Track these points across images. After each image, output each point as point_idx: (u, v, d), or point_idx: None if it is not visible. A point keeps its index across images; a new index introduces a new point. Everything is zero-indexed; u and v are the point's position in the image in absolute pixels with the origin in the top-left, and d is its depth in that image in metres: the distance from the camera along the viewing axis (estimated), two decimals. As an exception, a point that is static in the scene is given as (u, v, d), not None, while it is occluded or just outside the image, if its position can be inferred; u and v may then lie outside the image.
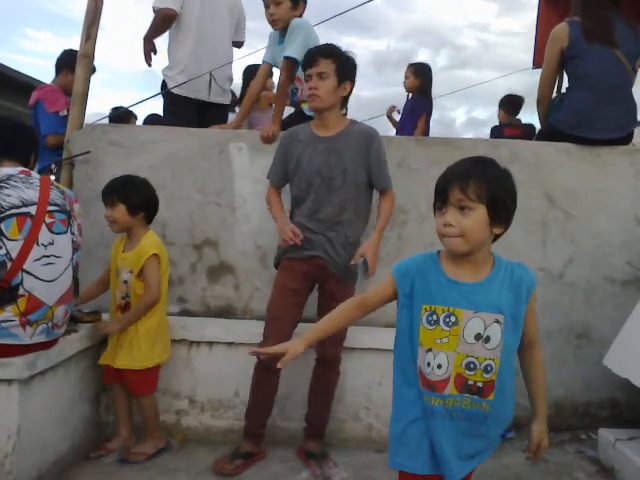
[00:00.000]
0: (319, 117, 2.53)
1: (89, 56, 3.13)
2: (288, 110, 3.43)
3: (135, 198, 2.49)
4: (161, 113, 3.97)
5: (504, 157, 2.90)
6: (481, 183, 1.32)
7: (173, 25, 3.57)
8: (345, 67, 2.48)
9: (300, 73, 2.91)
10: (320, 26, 3.36)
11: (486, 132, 6.10)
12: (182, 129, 3.12)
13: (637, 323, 2.52)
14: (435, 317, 1.37)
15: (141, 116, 4.97)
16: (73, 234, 2.28)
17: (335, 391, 2.57)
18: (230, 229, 3.04)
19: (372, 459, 2.54)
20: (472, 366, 1.37)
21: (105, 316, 2.72)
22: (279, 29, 3.18)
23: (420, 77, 4.70)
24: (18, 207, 2.05)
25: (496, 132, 5.39)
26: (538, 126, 4.05)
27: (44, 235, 2.11)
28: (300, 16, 3.19)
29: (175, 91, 3.54)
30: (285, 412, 2.70)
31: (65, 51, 4.11)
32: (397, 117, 5.40)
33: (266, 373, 2.44)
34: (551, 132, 3.14)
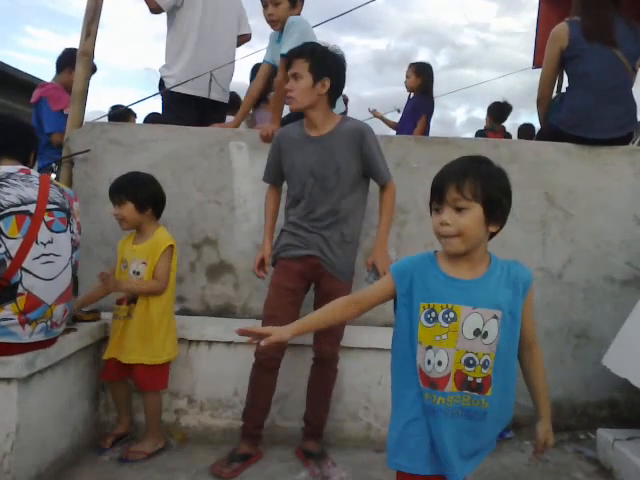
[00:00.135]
0: (306, 117, 2.50)
1: (89, 54, 3.13)
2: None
3: (142, 195, 2.50)
4: (161, 112, 3.96)
5: (504, 157, 2.91)
6: (476, 182, 1.34)
7: (174, 23, 3.55)
8: (321, 64, 2.40)
9: None
10: (320, 25, 3.37)
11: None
12: (182, 128, 3.11)
13: (636, 323, 2.52)
14: (434, 314, 1.38)
15: (141, 115, 4.98)
16: (72, 232, 2.28)
17: (333, 390, 2.57)
18: (230, 228, 3.04)
19: (371, 459, 2.54)
20: (471, 362, 1.37)
21: (104, 314, 2.72)
22: (278, 29, 3.17)
23: (421, 76, 4.71)
24: (17, 205, 2.05)
25: (479, 136, 5.61)
26: (538, 126, 4.06)
27: (43, 233, 2.11)
28: (298, 14, 3.18)
29: (174, 89, 3.53)
30: (284, 411, 2.70)
31: (67, 49, 4.12)
32: (397, 116, 5.42)
33: (264, 372, 2.44)
34: (551, 132, 3.14)
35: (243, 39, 3.94)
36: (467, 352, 1.37)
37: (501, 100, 5.85)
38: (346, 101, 5.41)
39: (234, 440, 2.55)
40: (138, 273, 2.51)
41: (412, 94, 4.87)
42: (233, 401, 2.70)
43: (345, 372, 2.67)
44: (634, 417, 2.89)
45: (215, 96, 3.67)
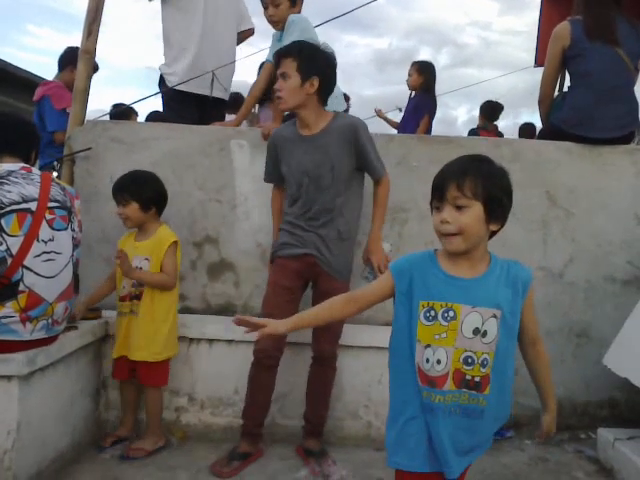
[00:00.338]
0: (297, 117, 2.49)
1: (90, 52, 3.13)
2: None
3: (146, 194, 2.52)
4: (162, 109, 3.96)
5: (505, 156, 2.91)
6: (477, 180, 1.34)
7: (174, 20, 3.53)
8: (309, 63, 2.37)
9: None
10: (322, 25, 3.37)
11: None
12: (183, 126, 3.11)
13: (637, 323, 2.52)
14: (433, 313, 1.38)
15: (142, 113, 4.97)
16: (73, 230, 2.28)
17: (332, 388, 2.57)
18: (231, 226, 3.04)
19: (371, 457, 2.54)
20: (470, 361, 1.37)
21: (105, 312, 2.72)
22: (280, 29, 3.17)
23: (423, 75, 4.71)
24: (18, 203, 2.05)
25: (472, 134, 5.69)
26: (539, 125, 4.06)
27: (44, 231, 2.11)
28: (298, 12, 3.18)
29: (177, 87, 3.53)
30: (284, 410, 2.70)
31: (69, 48, 4.13)
32: (398, 115, 5.42)
33: (262, 370, 2.45)
34: (552, 131, 3.13)
35: (246, 34, 3.90)
36: (466, 351, 1.37)
37: (493, 99, 5.97)
38: (348, 100, 5.41)
39: (234, 438, 2.56)
40: (141, 269, 2.51)
41: (414, 93, 4.87)
42: (233, 399, 2.70)
43: (345, 371, 2.67)
44: (635, 417, 2.89)
45: (217, 94, 3.66)
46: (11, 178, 2.08)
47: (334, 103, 3.02)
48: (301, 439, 2.57)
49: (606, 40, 2.99)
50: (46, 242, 2.11)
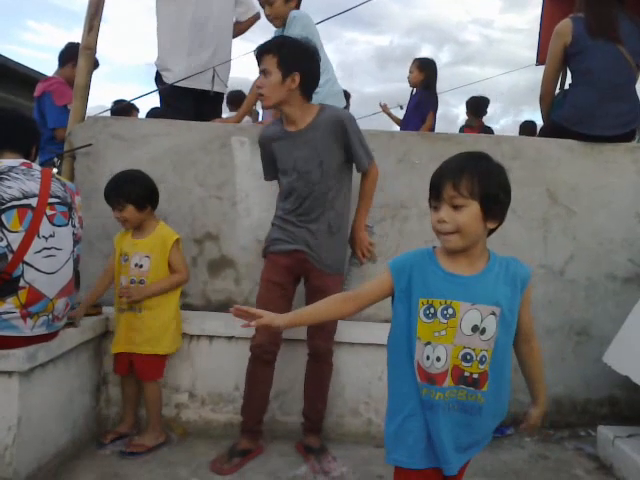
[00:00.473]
0: (282, 114, 2.46)
1: (91, 48, 3.13)
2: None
3: (139, 194, 2.52)
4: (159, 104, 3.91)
5: (506, 153, 2.90)
6: (473, 179, 1.33)
7: (168, 14, 3.46)
8: (289, 59, 2.33)
9: None
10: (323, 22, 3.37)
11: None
12: (184, 122, 3.11)
13: (638, 320, 2.52)
14: (432, 310, 1.38)
15: (143, 109, 4.97)
16: (74, 226, 2.28)
17: (329, 383, 2.56)
18: (231, 223, 3.04)
19: (371, 454, 2.55)
20: (468, 357, 1.37)
21: (106, 309, 2.72)
22: (280, 26, 3.16)
23: (424, 72, 4.71)
24: (19, 199, 2.05)
25: (461, 132, 5.69)
26: (540, 123, 4.05)
27: (45, 227, 2.11)
28: (297, 7, 3.17)
29: (176, 84, 3.50)
30: (284, 406, 2.70)
31: (70, 44, 4.11)
32: (400, 112, 5.41)
33: (260, 365, 2.45)
34: (554, 128, 3.13)
35: (251, 20, 3.78)
36: (465, 348, 1.37)
37: (478, 95, 5.94)
38: (348, 97, 5.41)
39: (235, 434, 2.56)
40: (141, 266, 2.52)
41: (415, 90, 4.86)
42: (234, 396, 2.71)
43: (346, 367, 2.67)
44: (634, 414, 2.89)
45: (217, 89, 3.64)
46: (11, 174, 2.08)
47: (334, 100, 3.02)
48: (301, 436, 2.57)
49: (608, 38, 2.98)
50: (47, 238, 2.11)
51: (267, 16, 3.15)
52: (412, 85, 4.85)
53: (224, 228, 3.04)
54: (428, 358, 1.38)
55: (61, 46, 4.20)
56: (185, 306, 2.99)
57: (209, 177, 3.04)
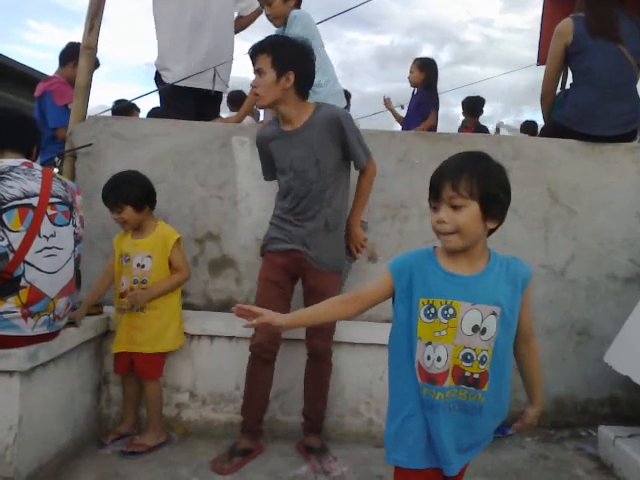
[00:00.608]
0: (278, 113, 2.46)
1: (92, 48, 3.13)
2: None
3: (136, 195, 2.52)
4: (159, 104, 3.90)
5: (507, 153, 2.90)
6: (472, 179, 1.33)
7: (169, 13, 3.43)
8: (283, 58, 2.32)
9: None
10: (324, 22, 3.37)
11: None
12: (184, 122, 3.11)
13: (638, 320, 2.52)
14: (433, 310, 1.38)
15: (144, 109, 4.97)
16: (75, 226, 2.28)
17: (329, 383, 2.56)
18: (232, 223, 3.04)
19: (372, 454, 2.54)
20: (469, 357, 1.37)
21: (106, 308, 2.72)
22: (280, 25, 3.16)
23: (425, 71, 4.71)
24: (20, 198, 2.05)
25: (460, 132, 5.73)
26: (541, 123, 4.05)
27: (46, 227, 2.11)
28: (297, 6, 3.16)
29: (177, 83, 3.50)
30: (285, 406, 2.71)
31: (71, 43, 4.11)
32: (401, 112, 5.40)
33: (260, 364, 2.45)
34: (554, 128, 3.13)
35: (252, 16, 3.75)
36: (465, 348, 1.37)
37: (473, 95, 5.96)
38: (349, 97, 5.40)
39: (235, 434, 2.56)
40: (143, 266, 2.53)
41: (416, 89, 4.86)
42: (234, 395, 2.71)
43: (347, 367, 2.67)
44: (635, 414, 2.89)
45: (218, 88, 3.64)
46: (12, 173, 2.08)
47: (335, 100, 3.02)
48: (301, 436, 2.57)
49: (609, 37, 2.98)
50: (48, 237, 2.12)
51: (267, 16, 3.15)
52: (413, 85, 4.84)
53: (225, 228, 3.04)
54: (429, 358, 1.38)
55: (62, 46, 4.20)
56: (186, 306, 2.98)
57: (210, 177, 3.04)
